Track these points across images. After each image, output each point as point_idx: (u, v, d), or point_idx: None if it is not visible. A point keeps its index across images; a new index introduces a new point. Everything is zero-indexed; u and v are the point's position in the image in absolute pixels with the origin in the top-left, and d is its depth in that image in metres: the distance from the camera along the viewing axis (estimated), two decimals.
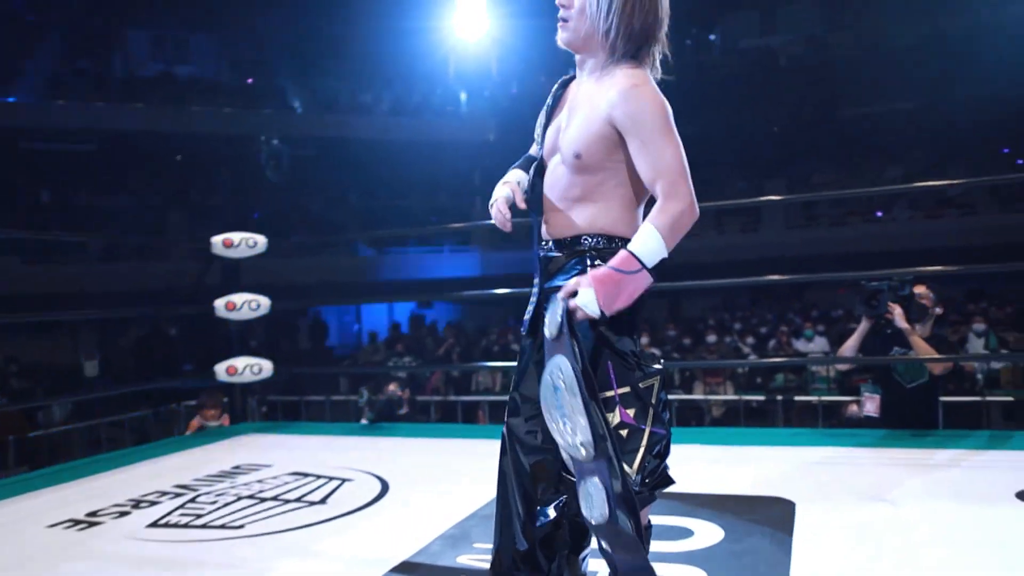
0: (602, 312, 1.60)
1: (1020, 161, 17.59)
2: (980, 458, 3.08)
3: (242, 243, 4.30)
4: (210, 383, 4.54)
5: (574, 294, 1.61)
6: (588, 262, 1.69)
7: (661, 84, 1.74)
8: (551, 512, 1.76)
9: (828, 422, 7.44)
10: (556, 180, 1.76)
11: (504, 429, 1.84)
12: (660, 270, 1.65)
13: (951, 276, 3.98)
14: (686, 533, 2.35)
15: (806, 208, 17.32)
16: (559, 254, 1.75)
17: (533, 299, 1.83)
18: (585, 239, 1.71)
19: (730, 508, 2.56)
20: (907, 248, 14.73)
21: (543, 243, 1.80)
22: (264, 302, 4.34)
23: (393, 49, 16.65)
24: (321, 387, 8.88)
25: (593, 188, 1.71)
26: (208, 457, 3.76)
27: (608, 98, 1.65)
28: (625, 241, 1.67)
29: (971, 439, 3.40)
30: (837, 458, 3.20)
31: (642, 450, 1.66)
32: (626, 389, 1.67)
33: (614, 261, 1.62)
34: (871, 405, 3.80)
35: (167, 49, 18.48)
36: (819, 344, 8.62)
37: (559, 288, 1.65)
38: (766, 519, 2.45)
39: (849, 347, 3.81)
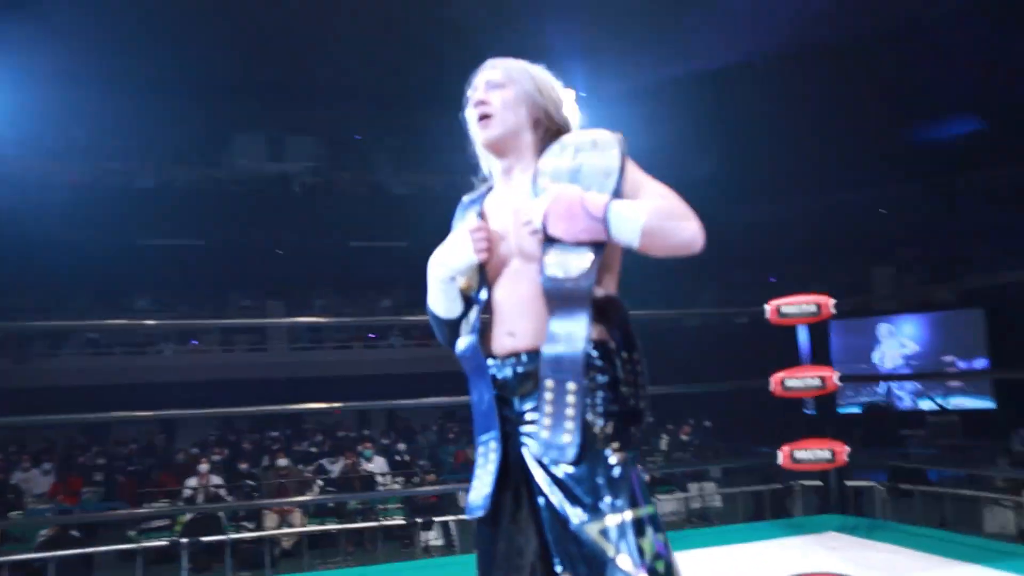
0: (544, 228, 1.42)
1: None
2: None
3: None
4: None
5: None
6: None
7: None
8: None
9: (395, 544, 7.92)
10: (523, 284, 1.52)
11: None
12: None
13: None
14: None
15: (312, 331, 18.16)
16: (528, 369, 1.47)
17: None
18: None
19: None
20: (405, 372, 16.58)
21: (506, 358, 1.51)
22: None
23: None
24: None
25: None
26: None
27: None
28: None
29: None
30: None
31: None
32: (651, 509, 1.37)
33: (586, 197, 1.41)
34: None
35: None
36: (379, 464, 9.05)
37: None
38: None
39: None
